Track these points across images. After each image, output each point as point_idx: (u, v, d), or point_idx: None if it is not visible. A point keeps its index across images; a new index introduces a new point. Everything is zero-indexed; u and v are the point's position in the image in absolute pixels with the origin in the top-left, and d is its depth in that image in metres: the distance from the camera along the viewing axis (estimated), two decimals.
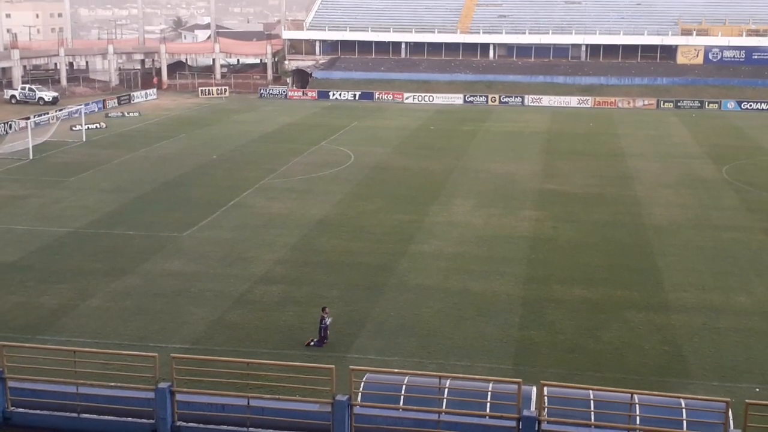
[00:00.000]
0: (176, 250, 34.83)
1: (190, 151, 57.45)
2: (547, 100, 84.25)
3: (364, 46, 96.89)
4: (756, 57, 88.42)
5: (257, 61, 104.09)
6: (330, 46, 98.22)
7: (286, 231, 37.63)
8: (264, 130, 67.37)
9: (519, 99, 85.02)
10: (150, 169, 51.56)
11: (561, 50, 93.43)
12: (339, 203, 42.92)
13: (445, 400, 16.70)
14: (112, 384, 17.64)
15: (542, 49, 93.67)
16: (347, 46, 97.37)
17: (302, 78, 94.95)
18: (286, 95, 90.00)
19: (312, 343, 25.44)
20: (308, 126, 70.14)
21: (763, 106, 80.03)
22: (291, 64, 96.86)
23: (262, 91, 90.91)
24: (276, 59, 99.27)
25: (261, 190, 45.93)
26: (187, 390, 16.75)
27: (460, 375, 19.55)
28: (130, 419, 16.68)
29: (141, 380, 17.14)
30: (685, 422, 16.02)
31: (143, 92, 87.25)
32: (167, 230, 37.66)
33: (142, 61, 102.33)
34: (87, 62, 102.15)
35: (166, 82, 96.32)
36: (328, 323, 25.57)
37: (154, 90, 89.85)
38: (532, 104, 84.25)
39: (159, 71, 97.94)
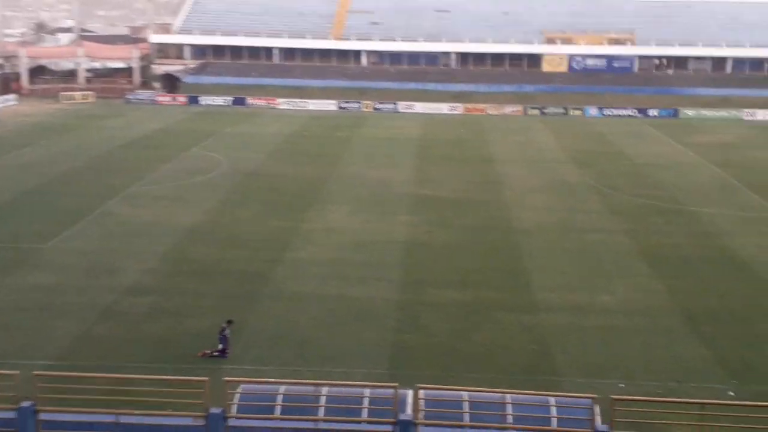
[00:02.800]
0: (39, 262, 33.23)
1: (51, 159, 55.02)
2: (420, 107, 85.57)
3: (236, 50, 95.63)
4: (617, 65, 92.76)
5: (124, 65, 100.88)
6: (200, 51, 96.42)
7: (155, 240, 36.55)
8: (131, 136, 65.36)
9: (392, 105, 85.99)
10: (9, 178, 49.03)
11: (432, 58, 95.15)
12: (211, 210, 42.08)
13: (322, 407, 16.58)
14: None
15: (414, 57, 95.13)
16: (218, 50, 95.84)
17: (171, 83, 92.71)
18: (154, 100, 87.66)
19: (215, 354, 24.77)
20: (178, 132, 68.55)
21: (624, 112, 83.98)
22: (159, 68, 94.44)
23: (129, 96, 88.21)
24: (143, 63, 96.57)
25: (128, 197, 44.47)
26: (52, 408, 15.96)
27: (337, 382, 19.47)
28: None
29: (2, 400, 16.19)
30: (554, 419, 16.52)
31: (1, 98, 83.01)
32: (29, 242, 35.88)
33: (1, 66, 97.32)
34: None
35: (27, 88, 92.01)
36: (227, 334, 25.02)
37: (14, 96, 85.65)
38: (404, 111, 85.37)
39: (19, 76, 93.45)
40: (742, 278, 33.30)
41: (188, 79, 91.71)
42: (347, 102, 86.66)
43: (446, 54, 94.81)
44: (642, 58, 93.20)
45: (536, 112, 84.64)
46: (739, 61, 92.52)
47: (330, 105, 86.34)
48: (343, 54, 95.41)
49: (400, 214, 42.11)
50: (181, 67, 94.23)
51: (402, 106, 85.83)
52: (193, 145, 61.64)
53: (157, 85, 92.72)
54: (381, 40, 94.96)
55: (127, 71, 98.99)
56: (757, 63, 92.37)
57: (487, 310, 29.25)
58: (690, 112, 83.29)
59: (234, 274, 32.28)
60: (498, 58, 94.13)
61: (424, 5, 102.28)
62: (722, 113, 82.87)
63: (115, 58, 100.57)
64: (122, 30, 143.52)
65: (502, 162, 57.85)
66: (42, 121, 72.96)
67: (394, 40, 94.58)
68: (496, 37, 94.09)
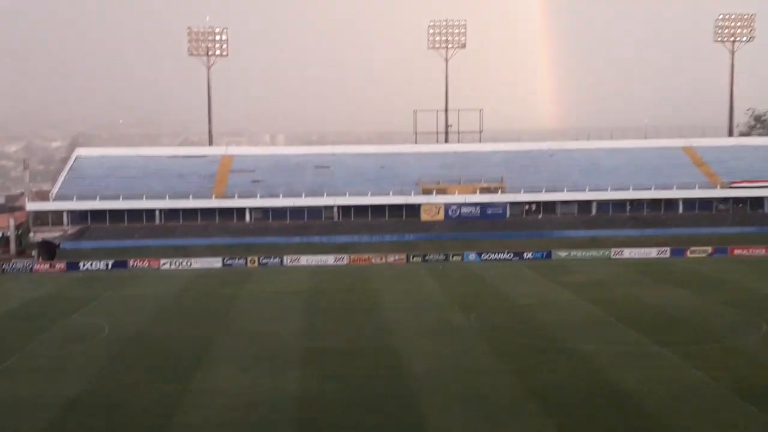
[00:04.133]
0: None
1: None
2: (305, 260, 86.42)
3: (116, 214, 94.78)
4: (490, 211, 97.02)
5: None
6: (79, 216, 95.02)
7: (32, 416, 34.84)
8: (7, 308, 62.87)
9: (278, 260, 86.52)
10: None
11: (315, 212, 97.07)
12: (94, 379, 40.61)
13: None
14: None
15: (297, 211, 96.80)
16: (98, 215, 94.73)
17: (50, 250, 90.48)
18: (32, 268, 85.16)
19: None
20: (57, 299, 66.51)
21: (501, 256, 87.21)
22: (36, 236, 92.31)
23: (4, 266, 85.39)
24: (20, 232, 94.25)
25: (4, 373, 42.44)
26: None
27: None
28: None
29: None
30: None
31: None
32: None
33: None
34: None
35: None
36: None
37: None
38: (291, 264, 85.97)
39: None
40: (629, 414, 34.49)
41: (67, 245, 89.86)
42: (232, 259, 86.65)
43: (329, 207, 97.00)
44: (513, 204, 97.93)
45: (418, 259, 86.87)
46: (602, 204, 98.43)
47: (215, 262, 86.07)
48: (226, 212, 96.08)
49: (291, 369, 41.83)
50: (59, 234, 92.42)
51: (288, 259, 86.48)
52: (73, 312, 59.87)
53: (34, 253, 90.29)
54: (263, 197, 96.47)
55: (2, 241, 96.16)
56: (619, 205, 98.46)
57: None
58: (562, 253, 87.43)
59: None
60: (378, 209, 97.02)
61: (305, 162, 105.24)
62: (592, 253, 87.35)
63: None
64: None
65: (389, 309, 58.71)
66: None
67: (277, 196, 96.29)
68: (375, 190, 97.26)
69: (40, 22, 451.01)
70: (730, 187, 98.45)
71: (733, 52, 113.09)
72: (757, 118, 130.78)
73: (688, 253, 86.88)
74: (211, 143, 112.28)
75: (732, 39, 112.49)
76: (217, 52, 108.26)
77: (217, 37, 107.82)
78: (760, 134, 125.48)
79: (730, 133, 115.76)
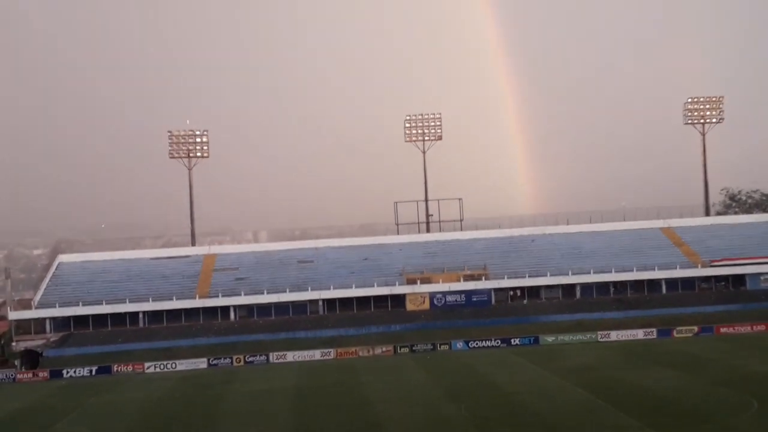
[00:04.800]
0: None
1: None
2: (292, 356, 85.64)
3: (99, 319, 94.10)
4: (475, 299, 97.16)
5: None
6: (62, 323, 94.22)
7: None
8: None
9: (264, 357, 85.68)
10: None
11: (300, 307, 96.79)
12: None
13: None
14: None
15: (282, 307, 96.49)
16: (81, 320, 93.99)
17: (33, 359, 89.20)
18: (14, 378, 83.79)
19: None
20: (40, 409, 65.23)
21: (488, 343, 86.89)
22: (19, 345, 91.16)
23: None
24: (2, 341, 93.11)
25: None
26: None
27: None
28: None
29: None
30: None
31: None
32: None
33: None
34: None
35: None
36: None
37: None
38: (277, 361, 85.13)
39: None
40: None
41: (50, 353, 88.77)
42: (218, 358, 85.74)
43: (313, 302, 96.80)
44: (497, 290, 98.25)
45: (406, 350, 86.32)
46: (586, 287, 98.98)
47: (200, 363, 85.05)
48: (210, 311, 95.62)
49: None
50: (41, 342, 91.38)
51: (274, 356, 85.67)
52: (56, 421, 58.65)
53: (17, 362, 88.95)
54: (248, 294, 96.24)
55: None
56: (603, 287, 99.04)
57: None
58: (549, 338, 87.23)
59: None
60: (363, 301, 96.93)
61: (288, 257, 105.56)
62: (579, 336, 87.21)
63: None
64: None
65: (379, 403, 58.01)
66: None
67: (261, 293, 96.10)
68: (359, 282, 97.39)
69: (19, 132, 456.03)
70: (711, 266, 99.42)
71: (704, 134, 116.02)
72: (732, 197, 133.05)
73: (674, 333, 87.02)
74: (194, 243, 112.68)
75: (702, 121, 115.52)
76: (198, 153, 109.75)
77: (198, 139, 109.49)
78: (736, 213, 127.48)
79: (707, 213, 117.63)
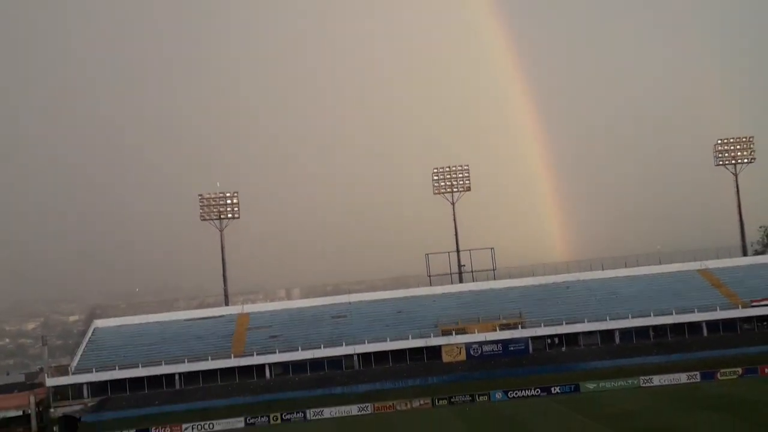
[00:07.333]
0: None
1: None
2: (329, 412, 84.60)
3: (136, 382, 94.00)
4: (512, 348, 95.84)
5: (20, 413, 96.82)
6: (99, 387, 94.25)
7: None
8: None
9: (301, 414, 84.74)
10: None
11: (335, 362, 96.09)
12: None
13: None
14: None
15: (317, 363, 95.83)
16: (118, 384, 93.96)
17: (71, 424, 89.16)
18: None
19: None
20: None
21: (528, 392, 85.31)
22: (57, 411, 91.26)
23: None
24: (40, 408, 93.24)
25: None
26: None
27: None
28: None
29: None
30: None
31: None
32: None
33: None
34: None
35: None
36: None
37: None
38: (314, 417, 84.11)
39: None
40: None
41: (88, 417, 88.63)
42: (254, 417, 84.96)
43: (348, 357, 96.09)
44: (534, 338, 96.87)
45: (444, 402, 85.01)
46: (625, 332, 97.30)
47: (237, 423, 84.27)
48: (245, 370, 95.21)
49: None
50: (79, 407, 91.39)
51: (311, 413, 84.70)
52: None
53: (56, 429, 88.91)
54: (282, 351, 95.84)
55: (24, 419, 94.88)
56: (642, 331, 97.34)
57: None
58: (590, 385, 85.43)
59: None
60: (399, 354, 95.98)
61: (321, 313, 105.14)
62: (620, 382, 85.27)
63: (11, 407, 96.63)
64: (17, 377, 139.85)
65: None
66: None
67: (296, 349, 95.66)
68: (394, 335, 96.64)
69: (49, 201, 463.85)
70: (752, 306, 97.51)
71: (736, 174, 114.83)
72: None
73: (718, 375, 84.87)
74: (227, 303, 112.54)
75: (734, 162, 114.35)
76: (229, 215, 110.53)
77: (228, 201, 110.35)
78: None
79: (744, 253, 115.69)
